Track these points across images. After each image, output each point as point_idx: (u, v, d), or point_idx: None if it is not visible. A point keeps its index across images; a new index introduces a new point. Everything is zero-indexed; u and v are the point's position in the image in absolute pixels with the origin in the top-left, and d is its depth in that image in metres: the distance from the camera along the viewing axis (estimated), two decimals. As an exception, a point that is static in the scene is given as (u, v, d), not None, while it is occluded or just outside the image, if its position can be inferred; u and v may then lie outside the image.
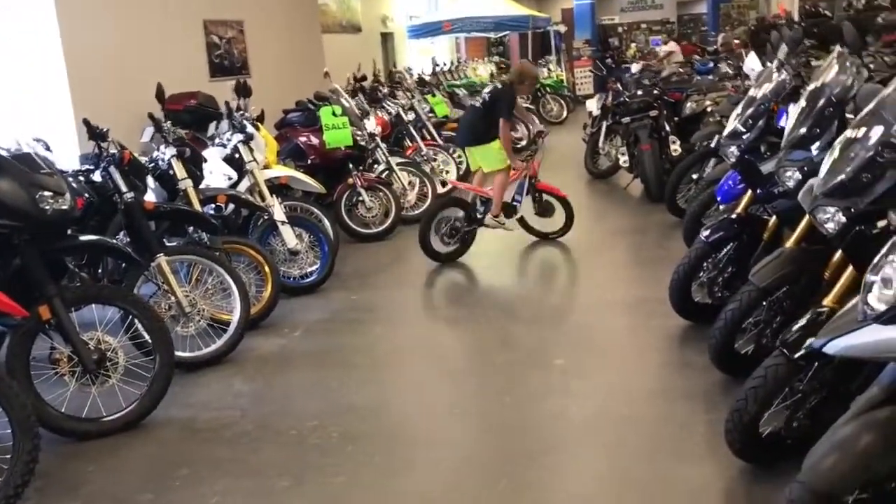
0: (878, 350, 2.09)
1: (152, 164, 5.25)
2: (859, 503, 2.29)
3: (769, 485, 3.02)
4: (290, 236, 5.89)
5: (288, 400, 4.16)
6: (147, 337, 4.24)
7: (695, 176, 7.16)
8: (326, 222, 6.49)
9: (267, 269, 5.31)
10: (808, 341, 2.73)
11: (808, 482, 2.17)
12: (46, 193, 3.68)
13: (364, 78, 10.83)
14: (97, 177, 4.83)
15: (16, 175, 3.63)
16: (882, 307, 2.06)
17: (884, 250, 2.12)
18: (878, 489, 2.25)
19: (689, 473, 3.20)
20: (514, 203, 6.75)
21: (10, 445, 3.18)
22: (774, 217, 4.15)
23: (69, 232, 3.96)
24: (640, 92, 8.97)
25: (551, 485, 3.23)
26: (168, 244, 4.78)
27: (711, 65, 10.87)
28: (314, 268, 6.08)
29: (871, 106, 2.73)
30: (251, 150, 5.96)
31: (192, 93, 7.78)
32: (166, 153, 5.20)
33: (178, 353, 4.34)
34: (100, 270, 4.88)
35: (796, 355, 2.86)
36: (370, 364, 4.60)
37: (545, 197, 6.89)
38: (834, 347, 2.20)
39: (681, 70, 10.91)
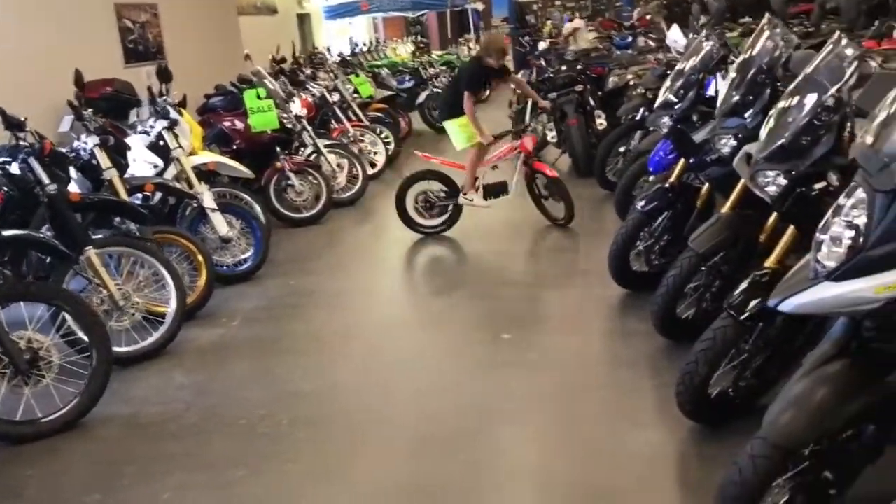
0: (831, 305, 2.15)
1: (73, 154, 5.04)
2: (815, 454, 2.39)
3: (718, 443, 3.11)
4: (221, 223, 5.74)
5: (233, 390, 4.07)
6: (80, 333, 4.10)
7: (622, 149, 7.29)
8: (257, 208, 6.36)
9: (200, 257, 5.17)
10: (767, 301, 2.80)
11: (768, 437, 2.23)
12: (-36, 188, 3.50)
13: (284, 60, 10.61)
14: (15, 169, 4.60)
15: (-70, 170, 3.44)
16: (833, 264, 2.12)
17: (832, 209, 2.18)
18: (832, 440, 2.34)
19: (643, 437, 3.26)
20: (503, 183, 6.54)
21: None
22: (707, 184, 4.25)
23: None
24: (564, 68, 9.05)
25: (510, 457, 3.25)
26: (95, 237, 4.60)
27: (630, 39, 11.04)
28: (248, 255, 5.95)
29: (806, 71, 2.81)
30: (176, 136, 5.77)
31: (108, 80, 7.51)
32: (88, 142, 4.99)
33: (115, 348, 4.18)
34: (23, 267, 4.67)
35: (742, 317, 2.94)
36: (314, 349, 4.54)
37: (538, 176, 6.49)
38: (789, 305, 2.26)
39: (599, 46, 11.07)
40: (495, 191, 6.54)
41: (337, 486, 3.12)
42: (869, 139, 2.09)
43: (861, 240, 2.05)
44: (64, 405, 3.78)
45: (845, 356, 2.25)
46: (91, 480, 3.32)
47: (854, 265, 2.07)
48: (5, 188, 4.52)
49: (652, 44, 9.38)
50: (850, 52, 2.69)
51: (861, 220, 2.08)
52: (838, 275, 2.10)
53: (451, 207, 6.54)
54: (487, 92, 6.93)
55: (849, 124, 2.72)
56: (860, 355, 2.25)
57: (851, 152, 2.22)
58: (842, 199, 2.17)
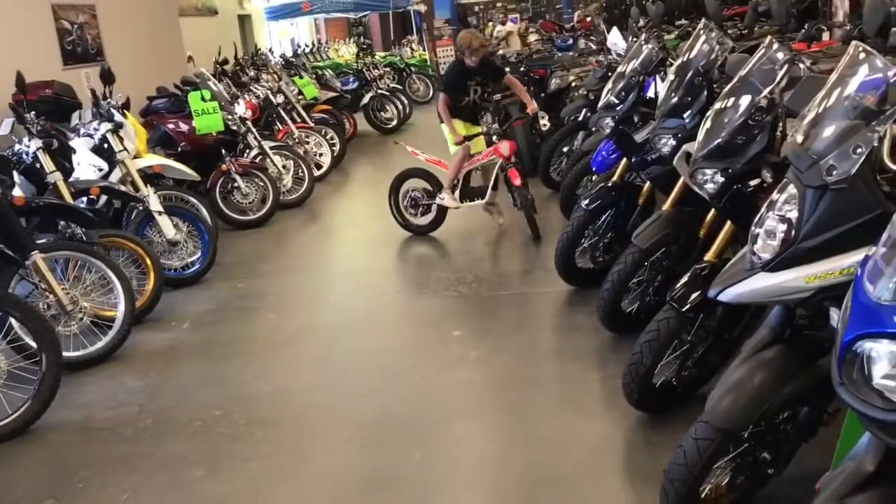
0: (766, 294, 2.29)
1: (16, 158, 4.97)
2: (754, 436, 2.53)
3: (663, 430, 3.24)
4: (167, 226, 5.72)
5: (186, 392, 4.07)
6: (26, 339, 4.06)
7: (566, 149, 7.44)
8: (204, 210, 6.34)
9: (148, 261, 5.15)
10: (704, 292, 2.95)
11: (710, 421, 2.36)
12: None
13: (226, 62, 10.55)
14: (-45, 173, 4.53)
15: None
16: (767, 256, 2.25)
17: (766, 204, 2.31)
18: (769, 421, 2.49)
19: (591, 427, 3.38)
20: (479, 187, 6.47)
21: None
22: (649, 183, 4.41)
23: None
24: (507, 70, 9.17)
25: (465, 449, 3.33)
26: (39, 241, 4.54)
27: (571, 41, 11.25)
28: (195, 258, 5.94)
29: (740, 73, 2.96)
30: (121, 139, 5.73)
31: (47, 82, 7.38)
32: (31, 145, 4.93)
33: (64, 354, 4.14)
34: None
35: (684, 308, 3.07)
36: (267, 351, 4.56)
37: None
38: (728, 295, 2.40)
39: (540, 48, 11.25)
40: (471, 194, 6.49)
41: (296, 483, 3.17)
42: (799, 138, 2.24)
43: (793, 233, 2.19)
44: (13, 411, 3.75)
45: (780, 342, 2.40)
46: (45, 485, 3.30)
47: (787, 257, 2.21)
48: (-54, 193, 4.43)
49: (593, 46, 9.57)
50: (781, 55, 2.85)
51: (793, 215, 2.22)
52: (772, 266, 2.24)
53: (433, 207, 6.51)
54: (473, 95, 6.33)
55: (781, 124, 2.87)
56: (794, 341, 2.39)
57: (783, 151, 2.36)
58: (775, 195, 2.31)
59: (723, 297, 2.41)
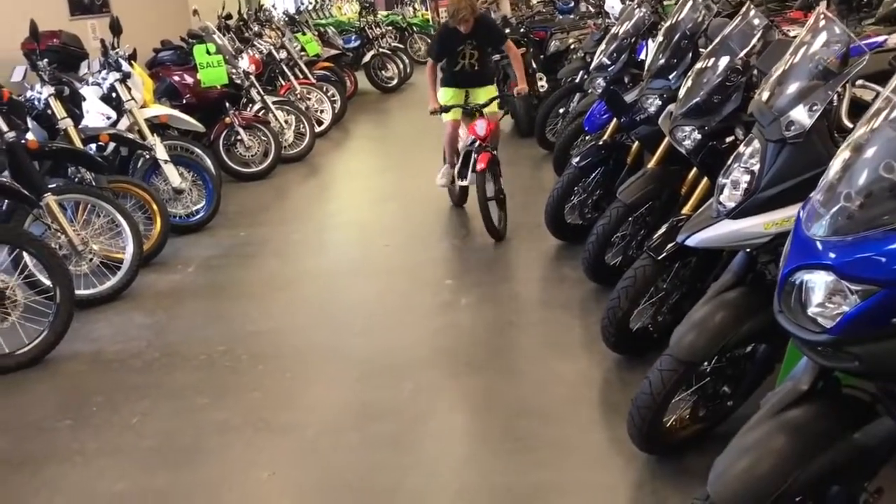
0: (730, 239, 2.50)
1: (28, 104, 5.14)
2: (715, 370, 2.77)
3: (638, 371, 3.45)
4: (173, 174, 5.91)
5: (192, 329, 4.30)
6: (40, 276, 4.28)
7: (561, 110, 7.61)
8: (208, 160, 6.52)
9: (154, 206, 5.35)
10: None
11: (674, 354, 2.59)
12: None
13: (230, 17, 10.65)
14: (-28, 117, 4.71)
15: None
16: (732, 204, 2.46)
17: (732, 157, 2.52)
18: (730, 357, 2.72)
19: (572, 367, 3.62)
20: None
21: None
22: (637, 142, 4.59)
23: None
24: (507, 31, 9.28)
25: (454, 384, 3.57)
26: (51, 185, 4.73)
27: (572, 4, 11.34)
28: (199, 206, 6.14)
29: (719, 37, 3.14)
30: (129, 89, 5.89)
31: (54, 32, 7.47)
32: (44, 92, 5.10)
33: (76, 291, 4.37)
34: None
35: (660, 256, 3.29)
36: (269, 294, 4.79)
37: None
38: (694, 240, 2.62)
39: (542, 10, 11.34)
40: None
41: (294, 411, 3.41)
42: (764, 96, 2.43)
43: (755, 183, 2.40)
44: (30, 342, 3.98)
45: (742, 285, 2.61)
46: (61, 409, 3.54)
47: (748, 205, 2.42)
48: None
49: (592, 9, 9.67)
50: (757, 21, 3.03)
51: (756, 167, 2.43)
52: (735, 214, 2.46)
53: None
54: (470, 59, 5.64)
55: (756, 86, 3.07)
56: (754, 285, 2.61)
57: (750, 108, 2.56)
58: (741, 148, 2.51)
59: (690, 242, 2.63)
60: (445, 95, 5.82)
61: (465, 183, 5.70)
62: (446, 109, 5.62)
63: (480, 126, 5.32)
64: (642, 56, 4.88)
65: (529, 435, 3.12)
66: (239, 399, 3.51)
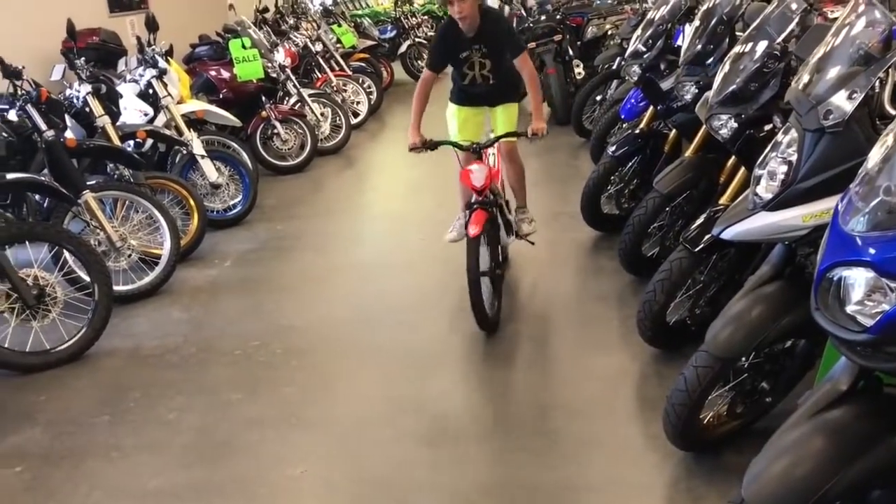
0: (767, 232, 2.43)
1: (67, 102, 5.21)
2: (753, 366, 2.70)
3: (675, 365, 3.39)
4: (210, 170, 5.95)
5: (227, 324, 4.33)
6: (80, 273, 4.34)
7: (599, 97, 7.51)
8: (245, 155, 6.55)
9: (192, 202, 5.39)
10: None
11: (710, 350, 2.53)
12: (-31, 133, 3.69)
13: (266, 10, 10.69)
14: (13, 116, 4.79)
15: (-63, 116, 3.63)
16: (768, 196, 2.39)
17: (769, 147, 2.44)
18: (768, 353, 2.64)
19: (608, 360, 3.57)
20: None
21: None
22: (674, 130, 4.50)
23: (-6, 171, 3.98)
24: (543, 18, 9.19)
25: (487, 377, 3.55)
26: (89, 182, 4.80)
27: (610, -11, 11.16)
28: (236, 200, 6.18)
29: (756, 22, 3.05)
30: (165, 85, 5.94)
31: (93, 29, 7.60)
32: (81, 90, 5.16)
33: (114, 287, 4.42)
34: (23, 210, 4.88)
35: (697, 248, 3.21)
36: (304, 287, 4.81)
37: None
38: (730, 233, 2.54)
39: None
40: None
41: (326, 405, 3.41)
42: (801, 83, 2.35)
43: (792, 174, 2.33)
44: (69, 338, 4.04)
45: (780, 279, 2.54)
46: (100, 404, 3.59)
47: (786, 196, 2.35)
48: (4, 133, 4.70)
49: (630, -6, 9.52)
50: (795, 5, 2.93)
51: (794, 157, 2.35)
52: (772, 205, 2.39)
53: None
54: (479, 70, 4.33)
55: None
56: (793, 278, 2.53)
57: (787, 96, 2.48)
58: (779, 137, 2.44)
59: (725, 235, 2.56)
60: (457, 116, 4.56)
61: (450, 237, 4.42)
62: (433, 146, 4.07)
63: (477, 173, 3.85)
64: (679, 42, 4.78)
65: (562, 430, 3.08)
66: (272, 394, 3.52)
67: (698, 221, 3.30)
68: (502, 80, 4.40)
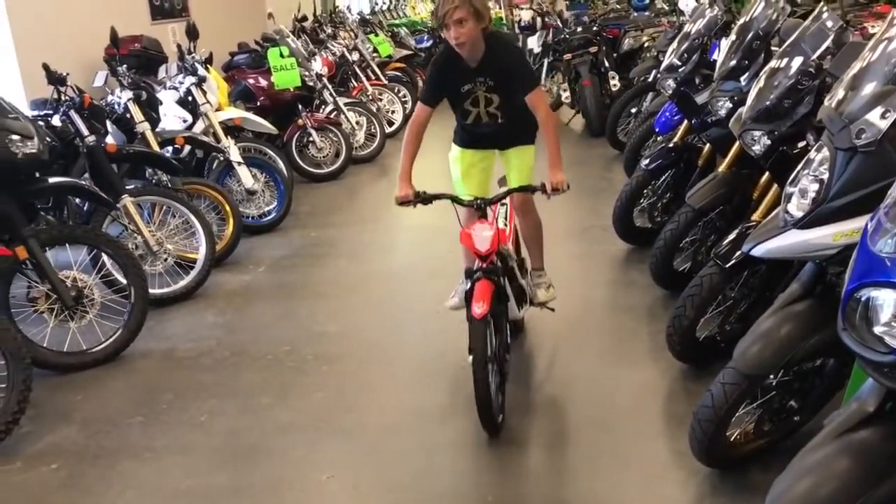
0: (797, 250, 2.42)
1: (108, 108, 5.33)
2: (782, 384, 2.68)
3: (704, 381, 3.36)
4: (246, 176, 6.04)
5: (260, 329, 4.39)
6: (117, 275, 4.43)
7: (634, 110, 7.50)
8: (280, 162, 6.64)
9: (227, 207, 5.48)
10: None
11: (737, 367, 2.52)
12: (15, 137, 3.80)
13: (305, 19, 10.82)
14: (56, 121, 4.92)
15: (-15, 120, 3.74)
16: (800, 214, 2.38)
17: (801, 164, 2.43)
18: (797, 369, 2.63)
19: (636, 374, 3.56)
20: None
21: (5, 376, 3.37)
22: (708, 144, 4.49)
23: (37, 175, 4.08)
24: (580, 29, 9.21)
25: (516, 389, 3.54)
26: (128, 187, 4.90)
27: (647, 1, 11.16)
28: (271, 207, 6.26)
29: (792, 38, 3.04)
30: (204, 92, 6.05)
31: (136, 36, 7.74)
32: (122, 97, 5.28)
33: (150, 290, 4.51)
34: (64, 213, 4.99)
35: (728, 264, 3.20)
36: (336, 294, 4.86)
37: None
38: (761, 250, 2.54)
39: (616, 7, 11.19)
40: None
41: (357, 412, 3.45)
42: (834, 102, 2.34)
43: (823, 192, 2.32)
44: (106, 339, 4.13)
45: (810, 297, 2.52)
46: (133, 405, 3.66)
47: (816, 215, 2.34)
48: (48, 139, 4.82)
49: (666, 6, 9.50)
50: (831, 23, 2.92)
51: (826, 176, 2.34)
52: (803, 223, 2.37)
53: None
54: (484, 107, 3.62)
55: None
56: (823, 297, 2.51)
57: (820, 114, 2.47)
58: (811, 155, 2.43)
59: (755, 252, 2.55)
60: (461, 161, 3.88)
61: (451, 304, 3.78)
62: (426, 199, 3.42)
63: (481, 235, 3.16)
64: (715, 56, 4.76)
65: (588, 443, 3.09)
66: (303, 400, 3.57)
67: (730, 237, 3.29)
68: (514, 118, 3.64)
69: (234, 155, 5.98)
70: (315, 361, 3.93)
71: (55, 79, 4.74)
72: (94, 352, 4.07)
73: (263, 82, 7.73)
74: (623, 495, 2.76)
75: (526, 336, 4.04)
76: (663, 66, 4.80)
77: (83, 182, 4.45)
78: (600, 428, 3.18)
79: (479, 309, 3.02)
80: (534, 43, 10.63)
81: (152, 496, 2.99)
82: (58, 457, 3.27)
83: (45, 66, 4.74)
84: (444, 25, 3.33)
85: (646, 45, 8.69)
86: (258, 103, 7.66)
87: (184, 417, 3.51)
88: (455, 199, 3.42)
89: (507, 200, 3.74)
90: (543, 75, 10.01)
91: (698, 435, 2.64)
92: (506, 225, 3.69)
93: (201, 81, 6.05)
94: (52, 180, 4.12)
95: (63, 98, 4.77)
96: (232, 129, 6.31)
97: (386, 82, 9.99)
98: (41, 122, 4.89)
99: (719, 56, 4.11)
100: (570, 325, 4.12)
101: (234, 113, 6.45)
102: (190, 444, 3.30)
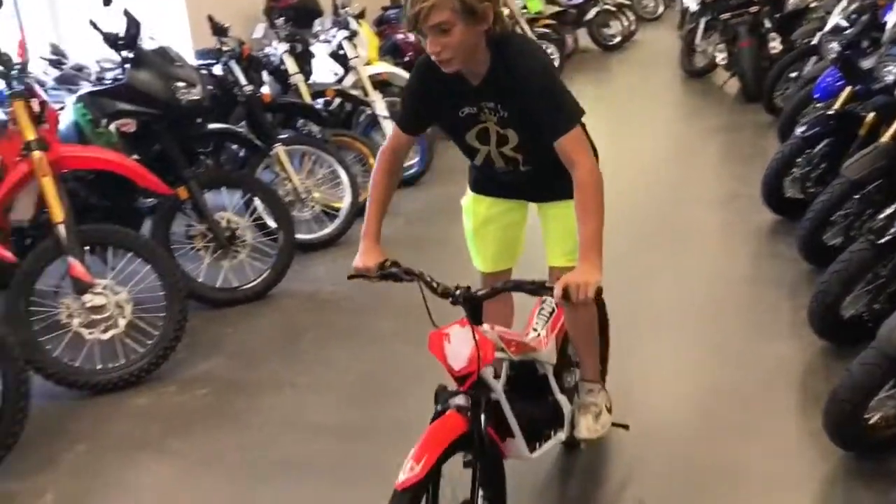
0: (957, 230, 2.27)
1: (265, 59, 5.58)
2: (929, 371, 2.53)
3: (844, 360, 3.20)
4: (391, 130, 6.17)
5: (399, 278, 4.53)
6: (267, 219, 4.68)
7: (794, 74, 7.08)
8: (424, 117, 6.73)
9: (372, 160, 5.63)
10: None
11: (880, 348, 2.40)
12: (180, 84, 4.07)
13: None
14: (217, 70, 5.21)
15: (155, 67, 4.02)
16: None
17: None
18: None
19: (774, 349, 3.45)
20: None
21: (164, 306, 3.66)
22: (873, 113, 4.21)
23: (199, 121, 4.36)
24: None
25: (656, 352, 3.52)
26: (281, 136, 5.13)
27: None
28: (413, 161, 6.39)
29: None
30: (355, 46, 6.22)
31: (294, -10, 8.02)
32: (279, 49, 5.51)
33: (297, 235, 4.74)
34: (220, 159, 5.30)
35: (881, 241, 3.03)
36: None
37: None
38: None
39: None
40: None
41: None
42: None
43: None
44: (255, 278, 4.39)
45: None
46: (277, 341, 3.91)
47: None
48: (210, 87, 5.12)
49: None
50: None
51: None
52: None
53: None
54: (494, 145, 2.39)
55: None
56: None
57: None
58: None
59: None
60: (473, 213, 2.75)
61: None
62: (394, 276, 2.41)
63: (455, 347, 2.21)
64: (887, 18, 4.44)
65: (720, 415, 3.04)
66: (434, 349, 3.68)
67: (887, 212, 3.11)
68: (544, 164, 2.35)
69: (381, 109, 6.13)
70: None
71: (218, 30, 5.01)
72: (244, 289, 4.34)
73: (413, 38, 7.82)
74: (750, 468, 2.71)
75: (669, 304, 3.97)
76: (828, 27, 4.54)
77: (240, 129, 4.70)
78: (732, 399, 3.12)
79: (406, 474, 1.91)
80: (690, 2, 10.19)
81: (288, 428, 3.19)
82: (207, 383, 3.54)
83: (210, 18, 5.01)
84: (421, 34, 2.10)
85: (812, 4, 8.15)
86: (406, 58, 7.78)
87: (322, 356, 3.71)
88: (428, 285, 2.27)
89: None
90: (699, 36, 9.60)
91: (834, 415, 2.55)
92: (540, 334, 2.57)
93: (353, 35, 6.22)
94: (211, 126, 4.39)
95: (224, 49, 5.03)
96: (380, 83, 6.46)
97: (534, 39, 9.89)
98: (204, 71, 5.22)
99: (891, 17, 3.83)
100: (715, 296, 4.02)
101: (383, 68, 6.59)
102: (326, 382, 3.50)
